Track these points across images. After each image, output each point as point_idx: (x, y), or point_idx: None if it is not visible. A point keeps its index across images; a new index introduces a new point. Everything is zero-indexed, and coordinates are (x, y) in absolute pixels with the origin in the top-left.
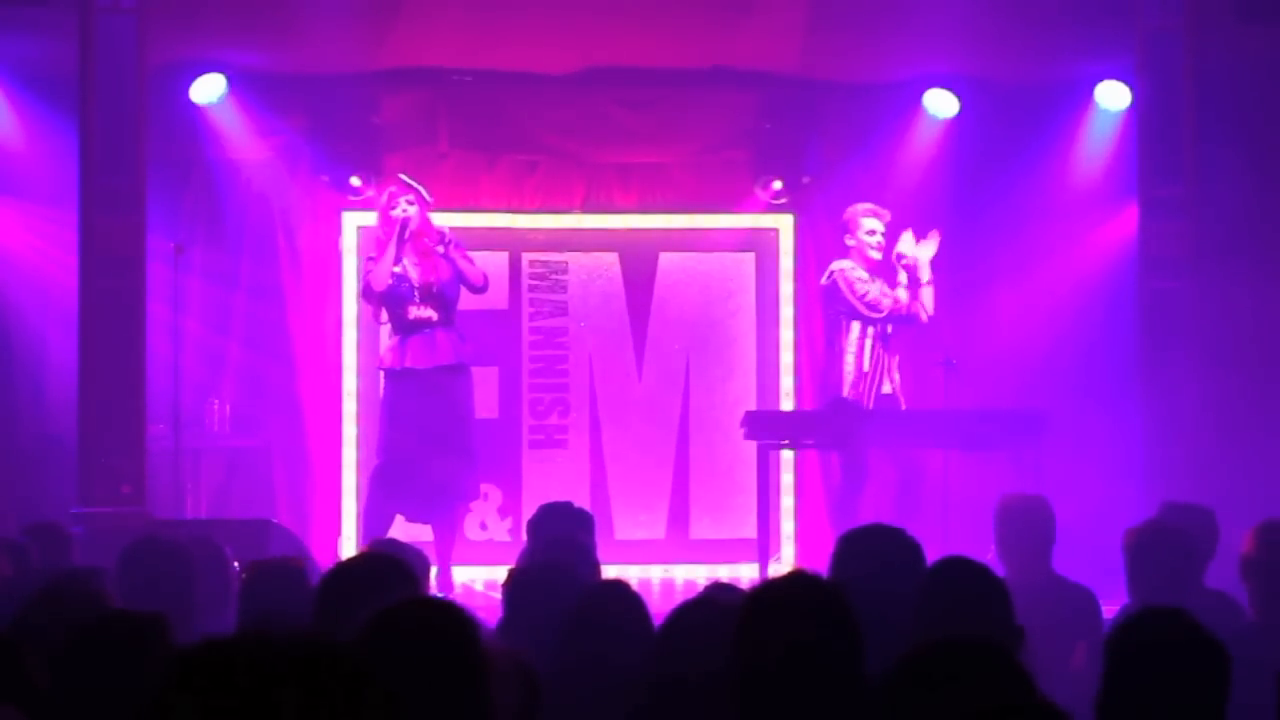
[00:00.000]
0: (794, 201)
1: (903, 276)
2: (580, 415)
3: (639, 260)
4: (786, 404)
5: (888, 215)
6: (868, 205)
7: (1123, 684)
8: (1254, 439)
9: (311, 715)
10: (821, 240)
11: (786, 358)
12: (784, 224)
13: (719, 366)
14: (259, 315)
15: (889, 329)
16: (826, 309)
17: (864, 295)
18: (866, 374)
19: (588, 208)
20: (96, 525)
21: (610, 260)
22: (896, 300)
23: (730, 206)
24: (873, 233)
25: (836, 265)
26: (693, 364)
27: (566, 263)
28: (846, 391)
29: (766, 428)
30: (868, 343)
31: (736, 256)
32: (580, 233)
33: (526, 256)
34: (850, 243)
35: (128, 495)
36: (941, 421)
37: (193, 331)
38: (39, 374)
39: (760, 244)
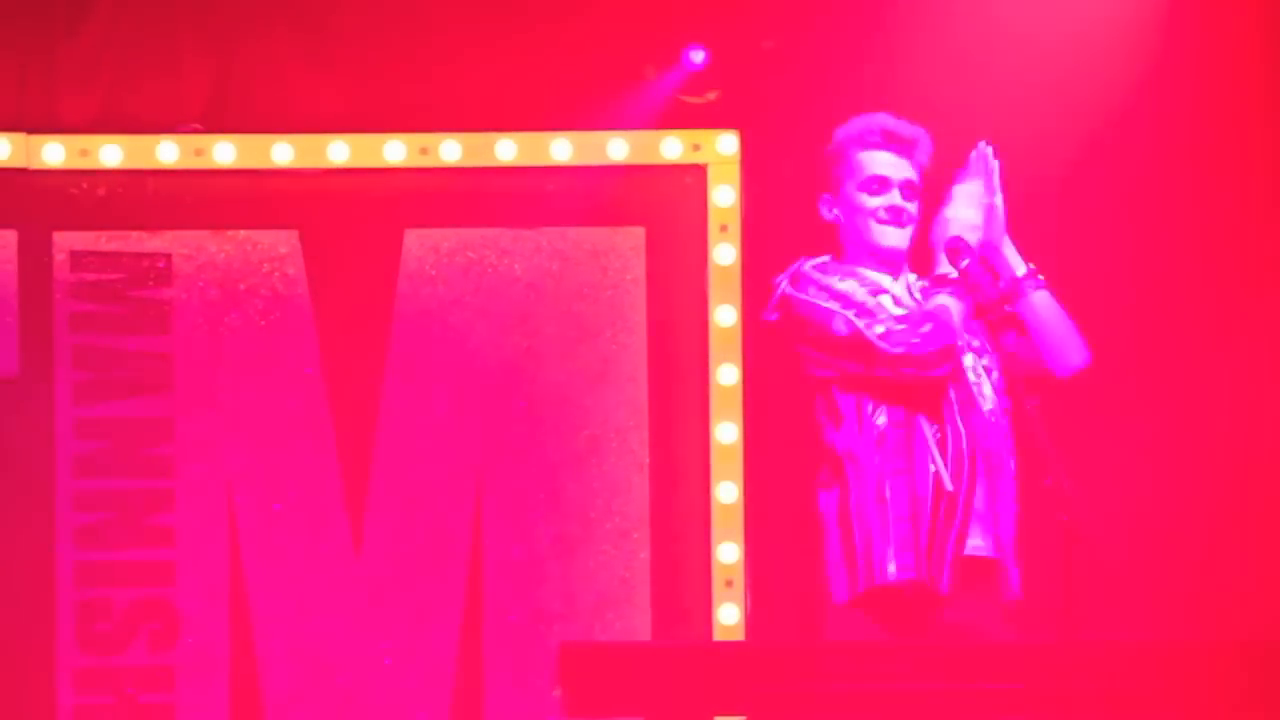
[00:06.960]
0: (735, 99)
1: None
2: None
3: (353, 245)
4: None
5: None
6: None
7: None
8: None
9: None
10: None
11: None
12: (716, 151)
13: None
14: None
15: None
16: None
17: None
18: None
19: (210, 118)
20: None
21: (285, 246)
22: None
23: (580, 114)
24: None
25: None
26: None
27: (170, 256)
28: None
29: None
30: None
31: (602, 236)
32: (197, 182)
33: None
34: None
35: None
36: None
37: None
38: None
39: (660, 202)
